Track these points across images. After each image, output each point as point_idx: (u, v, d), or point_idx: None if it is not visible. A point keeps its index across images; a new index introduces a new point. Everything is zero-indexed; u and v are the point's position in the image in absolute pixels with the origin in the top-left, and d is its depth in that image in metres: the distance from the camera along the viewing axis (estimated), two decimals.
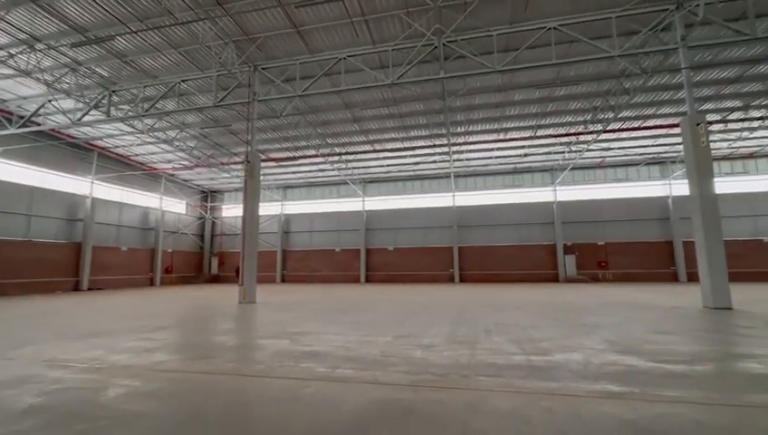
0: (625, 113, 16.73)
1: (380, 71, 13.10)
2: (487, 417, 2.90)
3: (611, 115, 16.27)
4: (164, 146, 20.87)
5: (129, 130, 18.60)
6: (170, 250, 27.62)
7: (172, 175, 27.14)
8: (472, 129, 18.82)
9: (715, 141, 19.82)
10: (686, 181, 10.45)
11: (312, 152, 21.19)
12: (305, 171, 26.20)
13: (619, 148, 21.68)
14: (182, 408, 3.20)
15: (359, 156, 22.73)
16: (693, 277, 21.72)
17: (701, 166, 9.85)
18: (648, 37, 11.18)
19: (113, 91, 14.66)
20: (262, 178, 22.33)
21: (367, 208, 28.42)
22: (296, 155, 22.19)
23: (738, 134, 19.27)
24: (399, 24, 11.33)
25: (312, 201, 29.87)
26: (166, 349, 5.50)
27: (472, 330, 6.82)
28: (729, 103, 16.15)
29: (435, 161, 23.87)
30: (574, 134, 18.86)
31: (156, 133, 18.51)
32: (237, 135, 19.35)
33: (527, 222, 25.68)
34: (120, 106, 15.92)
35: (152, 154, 22.49)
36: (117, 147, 21.70)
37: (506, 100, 15.88)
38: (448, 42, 11.12)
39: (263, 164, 22.97)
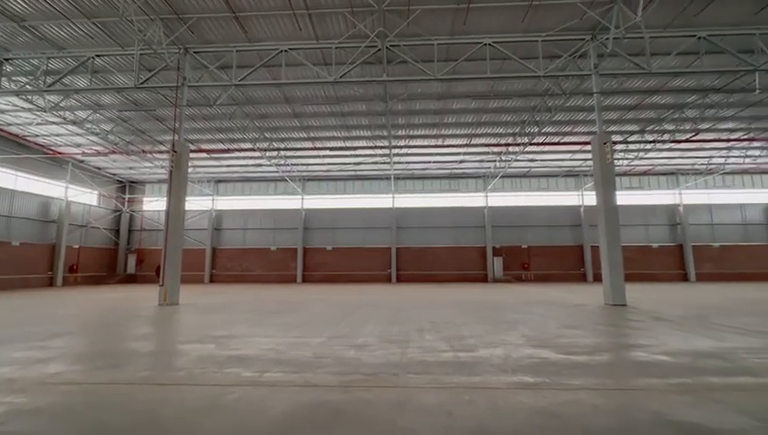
0: (548, 129, 18.42)
1: (323, 67, 12.91)
2: (414, 413, 2.98)
3: (536, 130, 17.84)
4: (72, 128, 18.35)
5: (28, 106, 16.06)
6: (77, 246, 24.34)
7: (81, 161, 23.97)
8: (412, 133, 19.35)
9: (618, 159, 22.68)
10: (594, 193, 11.82)
11: (248, 146, 20.17)
12: (240, 165, 24.87)
13: (542, 160, 23.83)
14: (77, 426, 2.82)
15: (298, 153, 22.15)
16: (597, 278, 24.62)
17: (606, 180, 11.21)
18: (567, 62, 12.47)
19: (6, 60, 12.54)
20: (191, 170, 20.70)
21: (306, 207, 27.80)
22: (231, 148, 20.95)
23: (636, 154, 22.28)
24: (344, 22, 11.25)
25: (247, 197, 28.41)
26: (63, 359, 4.82)
27: (405, 329, 6.99)
28: (629, 127, 18.61)
29: (376, 162, 24.12)
30: (504, 145, 20.35)
31: (62, 113, 16.20)
32: (163, 121, 17.70)
33: (461, 225, 27.10)
34: (16, 78, 13.66)
35: (57, 136, 19.64)
36: (10, 125, 18.59)
37: (445, 107, 16.59)
38: (391, 45, 11.33)
39: (192, 155, 21.33)
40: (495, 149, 21.67)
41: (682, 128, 18.64)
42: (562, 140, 19.90)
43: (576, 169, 25.79)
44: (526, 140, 18.99)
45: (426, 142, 20.52)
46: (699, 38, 11.25)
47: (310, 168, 25.68)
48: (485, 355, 4.89)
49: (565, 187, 27.39)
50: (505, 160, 23.21)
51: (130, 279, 27.51)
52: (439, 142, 20.49)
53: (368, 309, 10.25)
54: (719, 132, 19.19)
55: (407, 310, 9.99)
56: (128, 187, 28.62)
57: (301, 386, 3.67)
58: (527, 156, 22.69)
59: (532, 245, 26.73)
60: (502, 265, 26.56)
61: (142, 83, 11.97)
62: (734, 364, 4.41)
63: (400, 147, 21.02)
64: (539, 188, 27.54)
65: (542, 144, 19.91)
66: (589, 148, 17.91)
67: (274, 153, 21.87)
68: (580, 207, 26.87)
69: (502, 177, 26.66)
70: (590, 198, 25.57)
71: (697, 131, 18.95)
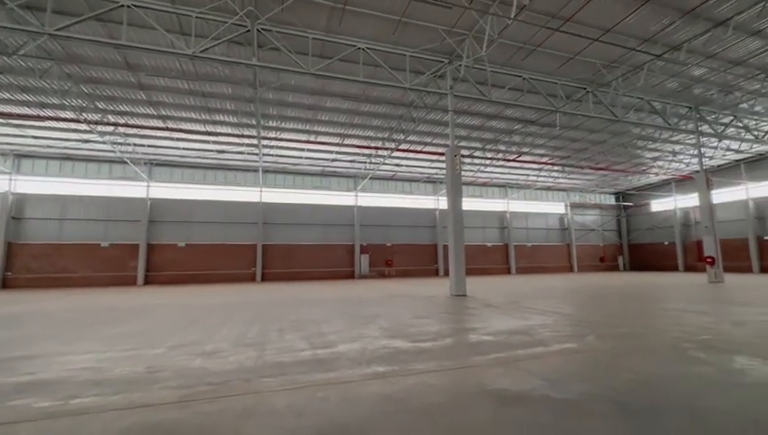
0: (412, 138, 20.21)
1: (179, 37, 11.23)
2: (261, 419, 2.82)
3: (402, 137, 19.38)
4: None
5: None
6: None
7: None
8: (284, 125, 18.58)
9: (465, 170, 26.55)
10: (446, 198, 13.50)
11: (71, 115, 16.06)
12: (58, 139, 19.52)
13: (407, 165, 26.02)
14: None
15: (144, 131, 18.74)
16: (447, 272, 28.26)
17: (455, 187, 12.92)
18: (429, 79, 13.90)
19: None
20: None
21: (153, 196, 23.75)
22: (42, 114, 16.29)
23: (478, 167, 26.44)
24: None
25: (68, 179, 22.56)
26: None
27: (265, 330, 6.62)
28: (475, 144, 21.96)
29: (242, 153, 22.31)
30: (374, 148, 21.44)
31: None
32: None
33: (331, 223, 27.38)
34: None
35: None
36: None
37: (319, 104, 16.47)
38: (263, 29, 10.62)
39: None
40: (366, 151, 22.62)
41: (510, 150, 23.00)
42: (424, 149, 22.12)
43: (434, 176, 29.04)
44: (393, 145, 20.43)
45: (298, 137, 19.99)
46: (524, 79, 14.03)
47: (159, 151, 22.02)
48: (344, 350, 5.01)
49: (425, 191, 30.56)
50: (375, 163, 24.50)
51: None
52: (312, 138, 20.24)
53: (225, 311, 9.36)
54: (534, 156, 24.36)
55: (269, 310, 9.51)
56: None
57: (122, 409, 3.06)
58: (394, 160, 24.41)
59: (395, 243, 28.91)
60: (368, 262, 27.94)
61: None
62: (534, 338, 5.62)
63: (270, 138, 19.95)
64: (403, 190, 30.00)
65: (406, 151, 21.69)
66: (443, 158, 20.38)
67: (110, 129, 17.99)
68: (435, 210, 30.37)
69: (371, 178, 28.06)
70: (444, 203, 29.18)
71: (520, 153, 23.69)
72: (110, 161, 22.93)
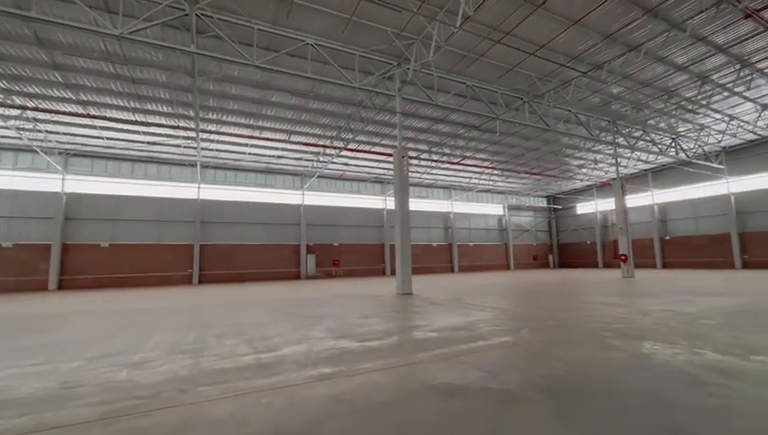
0: (360, 137, 20.21)
1: (105, 14, 10.15)
2: (200, 430, 2.64)
3: (351, 136, 19.31)
4: None
5: None
6: None
7: None
8: (226, 118, 17.57)
9: (412, 171, 27.18)
10: (394, 198, 13.70)
11: None
12: None
13: (355, 165, 25.97)
14: None
15: (59, 117, 16.63)
16: (394, 271, 28.68)
17: (402, 188, 13.17)
18: (378, 80, 14.02)
19: None
20: None
21: (69, 190, 21.15)
22: None
23: (425, 169, 27.21)
24: None
25: None
26: None
27: (203, 335, 6.22)
28: (422, 146, 22.55)
29: (178, 145, 20.73)
30: (322, 146, 21.08)
31: None
32: None
33: (276, 222, 26.44)
34: None
35: None
36: None
37: (264, 98, 15.83)
38: (203, 14, 9.96)
39: None
40: (314, 149, 22.20)
41: (455, 153, 23.97)
42: (372, 149, 22.23)
43: (382, 176, 29.32)
44: (342, 144, 20.28)
45: (241, 131, 19.02)
46: (468, 85, 14.70)
47: (78, 140, 19.66)
48: (289, 353, 4.88)
49: (373, 191, 30.74)
50: (323, 161, 24.14)
51: None
52: (256, 134, 19.40)
53: (156, 317, 8.62)
54: (476, 160, 25.64)
55: (208, 313, 8.94)
56: None
57: (30, 433, 2.69)
58: (342, 159, 24.24)
59: (343, 243, 28.72)
60: (315, 262, 27.44)
61: None
62: (475, 333, 5.91)
63: (210, 132, 18.73)
64: (351, 190, 29.90)
65: (355, 150, 21.64)
66: (391, 159, 20.68)
67: (16, 112, 15.71)
68: (383, 210, 30.69)
69: (319, 177, 27.59)
70: (392, 203, 29.56)
71: (464, 157, 24.80)
72: (16, 149, 20.02)
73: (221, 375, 3.96)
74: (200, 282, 23.30)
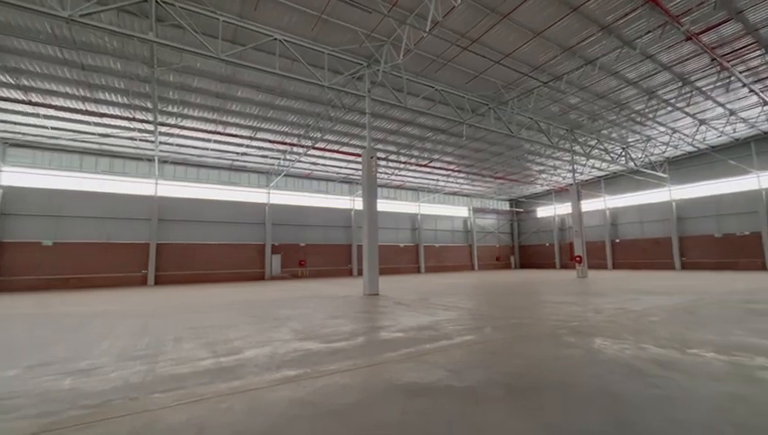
0: (329, 137, 20.02)
1: None
2: None
3: (319, 135, 19.09)
4: None
5: None
6: None
7: None
8: (187, 112, 16.76)
9: (381, 172, 27.30)
10: (362, 199, 13.68)
11: None
12: None
13: (323, 164, 25.66)
14: None
15: None
16: (361, 272, 28.65)
17: (370, 189, 13.17)
18: (348, 80, 13.96)
19: None
20: None
21: (6, 183, 19.31)
22: None
23: (393, 170, 27.39)
24: None
25: None
26: None
27: (158, 339, 5.89)
28: (390, 148, 22.68)
29: (134, 138, 19.53)
30: (289, 144, 20.70)
31: None
32: None
33: (240, 221, 25.59)
34: None
35: None
36: None
37: (229, 93, 15.27)
38: (164, 2, 9.47)
39: None
40: (281, 147, 21.71)
41: (423, 155, 24.32)
42: (341, 149, 22.09)
43: (350, 176, 29.19)
44: (310, 143, 20.00)
45: (204, 126, 18.25)
46: (436, 90, 14.97)
47: (17, 128, 18.00)
48: (251, 356, 4.73)
49: (341, 191, 30.52)
50: (289, 160, 23.67)
51: None
52: (220, 129, 18.68)
53: (107, 320, 8.06)
54: (443, 162, 26.16)
55: (164, 316, 8.48)
56: None
57: None
58: (310, 158, 23.90)
59: (309, 243, 28.28)
60: (280, 263, 26.83)
61: None
62: (440, 332, 6.02)
63: (170, 125, 17.85)
64: (318, 190, 29.52)
65: (323, 149, 21.43)
66: (360, 159, 20.66)
67: None
68: (351, 210, 30.56)
69: (285, 175, 27.03)
70: (360, 203, 29.49)
71: (431, 159, 25.22)
72: None
73: (177, 381, 3.77)
74: (156, 283, 22.08)
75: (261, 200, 26.64)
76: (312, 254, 28.25)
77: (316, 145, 19.98)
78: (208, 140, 20.26)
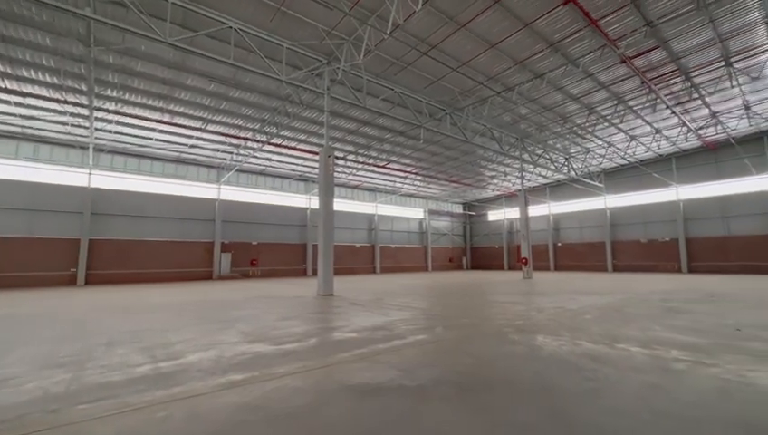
0: (285, 133, 19.48)
1: None
2: None
3: (275, 131, 18.51)
4: None
5: None
6: None
7: None
8: (129, 98, 15.46)
9: (338, 172, 27.05)
10: (318, 198, 13.46)
11: None
12: None
13: (278, 161, 24.89)
14: None
15: None
16: (315, 272, 28.14)
17: (327, 188, 13.00)
18: (307, 76, 13.68)
19: None
20: None
21: None
22: None
23: (351, 170, 27.27)
24: None
25: None
26: None
27: (87, 345, 5.37)
28: (349, 147, 22.56)
29: (65, 123, 17.67)
30: (243, 138, 19.84)
31: None
32: None
33: (187, 217, 24.07)
34: None
35: None
36: None
37: (177, 80, 14.32)
38: None
39: None
40: (233, 141, 20.75)
41: (381, 156, 24.47)
42: (298, 146, 21.59)
43: (307, 174, 28.61)
44: (265, 138, 19.33)
45: (147, 114, 16.95)
46: (396, 92, 15.13)
47: None
48: (194, 360, 4.46)
49: (297, 189, 29.81)
50: (243, 155, 22.71)
51: None
52: (166, 118, 17.46)
53: (24, 324, 7.20)
54: (401, 164, 26.50)
55: (95, 320, 7.74)
56: None
57: None
58: (265, 154, 23.10)
59: (262, 241, 27.30)
60: (230, 262, 25.63)
61: None
62: (393, 332, 6.08)
63: (108, 111, 16.38)
64: (273, 187, 28.60)
65: (279, 145, 20.81)
66: (317, 157, 20.30)
67: None
68: (307, 209, 29.96)
69: (238, 171, 25.90)
70: (316, 202, 29.01)
71: (389, 161, 25.44)
72: None
73: (107, 390, 3.46)
74: (87, 283, 20.13)
75: (211, 196, 25.28)
76: (264, 253, 27.31)
77: (272, 141, 19.36)
78: (153, 129, 18.85)
